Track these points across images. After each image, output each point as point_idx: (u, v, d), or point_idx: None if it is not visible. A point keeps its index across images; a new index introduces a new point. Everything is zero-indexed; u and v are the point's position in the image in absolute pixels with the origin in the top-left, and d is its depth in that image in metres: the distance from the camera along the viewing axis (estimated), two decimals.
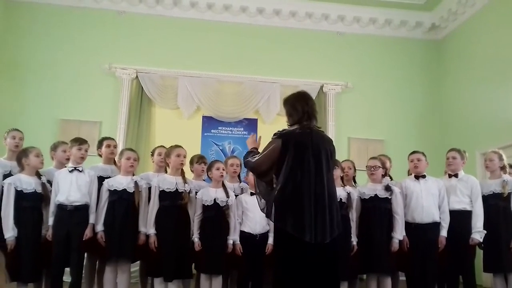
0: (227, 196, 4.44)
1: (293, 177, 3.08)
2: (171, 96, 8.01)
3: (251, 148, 3.44)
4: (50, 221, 4.25)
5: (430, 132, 8.33)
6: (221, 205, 4.40)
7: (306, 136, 3.19)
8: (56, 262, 4.17)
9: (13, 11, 7.88)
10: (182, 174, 4.52)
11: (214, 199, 4.41)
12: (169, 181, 4.42)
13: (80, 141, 4.46)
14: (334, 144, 3.38)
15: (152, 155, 4.96)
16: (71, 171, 4.34)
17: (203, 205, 4.42)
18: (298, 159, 3.11)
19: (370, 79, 8.47)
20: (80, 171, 4.36)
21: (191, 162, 4.80)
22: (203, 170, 4.80)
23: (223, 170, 4.59)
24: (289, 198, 3.07)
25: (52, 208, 4.27)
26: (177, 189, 4.38)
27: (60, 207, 4.23)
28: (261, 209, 3.32)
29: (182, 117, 7.95)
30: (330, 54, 8.49)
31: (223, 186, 4.53)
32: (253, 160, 3.27)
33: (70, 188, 4.25)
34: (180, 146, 4.56)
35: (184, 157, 4.56)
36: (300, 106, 3.29)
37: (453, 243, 4.54)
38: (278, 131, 3.27)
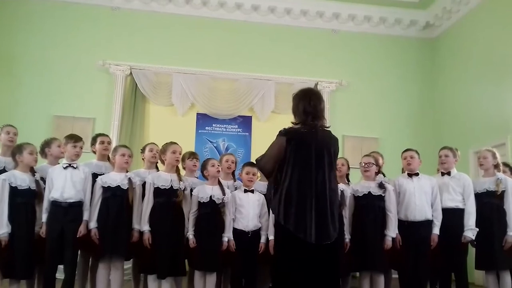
0: (223, 194, 4.43)
1: (295, 176, 3.08)
2: (165, 93, 8.00)
3: None
4: (44, 217, 4.22)
5: (424, 130, 8.36)
6: (216, 202, 4.39)
7: (310, 135, 3.16)
8: (49, 259, 4.15)
9: (7, 7, 7.83)
10: (177, 171, 4.51)
11: (210, 196, 4.40)
12: (164, 178, 4.40)
13: (75, 138, 4.45)
14: (338, 144, 3.36)
15: (143, 152, 4.93)
16: (65, 168, 4.32)
17: (199, 202, 4.41)
18: (301, 158, 3.10)
19: (364, 77, 8.50)
20: (75, 168, 4.34)
21: (183, 159, 4.78)
22: (195, 166, 4.79)
23: (219, 166, 4.59)
24: (290, 198, 3.07)
25: (45, 204, 4.24)
26: (172, 186, 4.37)
27: (54, 204, 4.21)
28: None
29: (176, 114, 7.94)
30: (325, 52, 8.50)
31: (219, 183, 4.53)
32: (260, 159, 3.28)
33: (64, 184, 4.23)
34: (175, 143, 4.55)
35: (180, 154, 4.56)
36: (302, 106, 3.24)
37: (446, 241, 4.55)
38: (284, 128, 3.24)
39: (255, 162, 3.37)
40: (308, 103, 3.25)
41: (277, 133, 3.22)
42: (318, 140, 3.17)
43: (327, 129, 3.30)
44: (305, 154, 3.12)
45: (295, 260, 3.01)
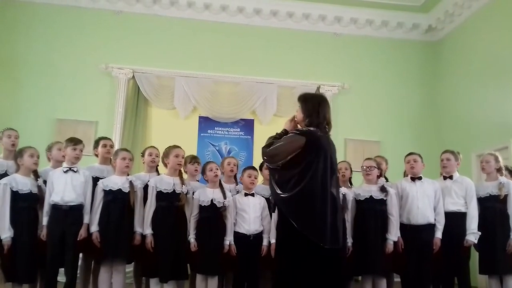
0: (224, 197, 4.43)
1: (314, 180, 3.10)
2: (167, 96, 8.00)
3: (282, 131, 3.40)
4: (44, 221, 4.23)
5: (426, 134, 8.33)
6: (218, 205, 4.39)
7: (325, 140, 3.25)
8: (51, 262, 4.16)
9: (10, 10, 7.85)
10: (180, 175, 4.51)
11: (211, 200, 4.40)
12: (166, 182, 4.41)
13: (75, 141, 4.45)
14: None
15: (143, 155, 4.93)
16: (65, 171, 4.33)
17: (200, 205, 4.41)
18: (320, 164, 3.14)
19: (366, 81, 8.48)
20: (75, 171, 4.35)
21: (184, 163, 4.79)
22: (197, 170, 4.80)
23: (217, 169, 4.57)
24: (308, 202, 3.09)
25: (46, 208, 4.25)
26: (174, 190, 4.37)
27: (55, 207, 4.22)
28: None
29: (179, 117, 7.93)
30: (327, 55, 8.49)
31: (220, 186, 4.52)
32: (268, 149, 3.24)
33: (65, 188, 4.24)
34: (178, 147, 4.55)
35: (183, 157, 4.56)
36: (323, 112, 3.30)
37: (448, 245, 4.55)
38: (301, 129, 3.29)
39: (262, 150, 3.30)
40: (328, 111, 3.33)
41: (291, 133, 3.25)
42: (330, 147, 3.27)
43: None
44: (324, 160, 3.15)
45: (310, 264, 3.04)
